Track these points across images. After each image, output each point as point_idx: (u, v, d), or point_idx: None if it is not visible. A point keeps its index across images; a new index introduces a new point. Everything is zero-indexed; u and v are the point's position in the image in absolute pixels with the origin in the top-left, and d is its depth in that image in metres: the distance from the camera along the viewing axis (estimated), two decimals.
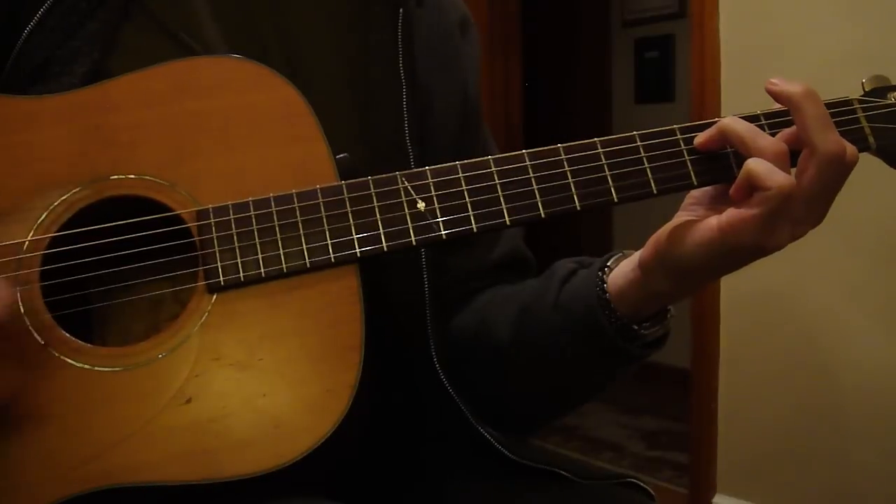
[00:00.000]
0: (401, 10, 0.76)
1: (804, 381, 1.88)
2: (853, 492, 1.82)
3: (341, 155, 0.67)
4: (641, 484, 0.79)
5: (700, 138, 0.65)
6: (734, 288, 1.98)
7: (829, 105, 0.65)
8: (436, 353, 0.74)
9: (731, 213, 0.62)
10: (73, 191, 0.64)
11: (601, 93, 3.70)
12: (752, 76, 1.84)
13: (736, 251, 0.63)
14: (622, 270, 0.69)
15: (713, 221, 0.62)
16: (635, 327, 0.69)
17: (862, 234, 1.77)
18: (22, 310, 0.61)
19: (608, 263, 0.71)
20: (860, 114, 0.67)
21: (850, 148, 0.63)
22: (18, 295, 0.61)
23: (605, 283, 0.69)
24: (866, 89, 0.69)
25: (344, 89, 0.76)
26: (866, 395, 1.79)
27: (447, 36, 0.83)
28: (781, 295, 1.90)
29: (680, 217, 0.67)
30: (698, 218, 0.64)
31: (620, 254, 0.71)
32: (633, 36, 3.59)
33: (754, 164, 0.61)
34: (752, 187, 0.61)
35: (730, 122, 0.64)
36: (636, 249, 0.70)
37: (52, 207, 0.63)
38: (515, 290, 0.80)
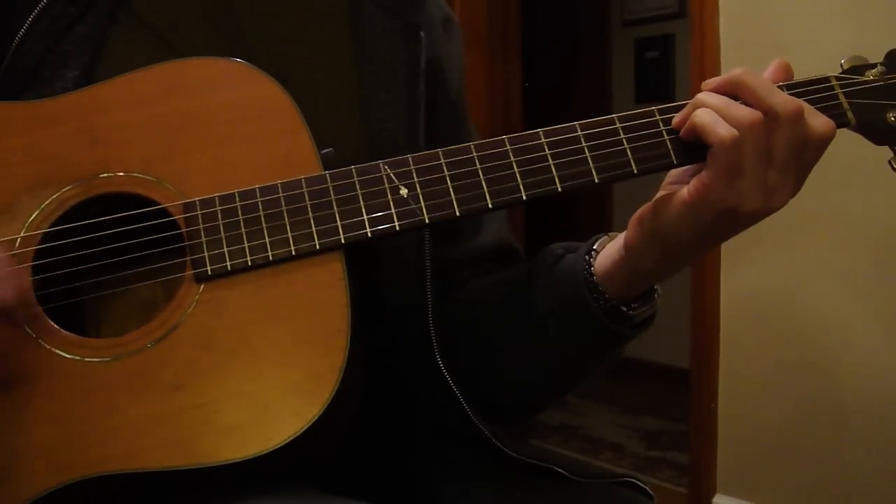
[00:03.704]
0: (422, 34, 0.78)
1: (804, 382, 1.88)
2: (853, 491, 1.81)
3: (326, 150, 0.67)
4: (640, 483, 0.79)
5: (678, 117, 0.66)
6: (734, 288, 1.97)
7: (807, 83, 0.67)
8: (437, 343, 0.75)
9: (696, 178, 0.63)
10: (64, 189, 0.65)
11: (601, 93, 3.70)
12: None
13: (709, 217, 0.63)
14: (608, 252, 0.70)
15: (684, 190, 0.64)
16: (623, 308, 0.69)
17: (862, 234, 1.77)
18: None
19: (594, 246, 0.71)
20: (838, 90, 0.68)
21: (829, 122, 0.63)
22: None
23: (592, 265, 0.70)
24: (845, 68, 0.69)
25: (331, 93, 0.77)
26: (866, 395, 1.78)
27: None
28: (781, 295, 1.90)
29: (659, 195, 0.68)
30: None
31: (606, 236, 0.72)
32: (633, 36, 3.59)
33: (701, 114, 0.63)
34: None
35: (703, 97, 0.65)
36: None
37: (43, 206, 0.64)
38: (503, 276, 0.80)
